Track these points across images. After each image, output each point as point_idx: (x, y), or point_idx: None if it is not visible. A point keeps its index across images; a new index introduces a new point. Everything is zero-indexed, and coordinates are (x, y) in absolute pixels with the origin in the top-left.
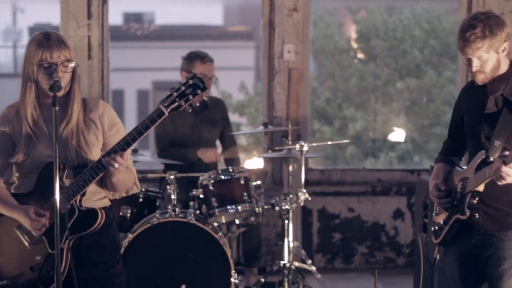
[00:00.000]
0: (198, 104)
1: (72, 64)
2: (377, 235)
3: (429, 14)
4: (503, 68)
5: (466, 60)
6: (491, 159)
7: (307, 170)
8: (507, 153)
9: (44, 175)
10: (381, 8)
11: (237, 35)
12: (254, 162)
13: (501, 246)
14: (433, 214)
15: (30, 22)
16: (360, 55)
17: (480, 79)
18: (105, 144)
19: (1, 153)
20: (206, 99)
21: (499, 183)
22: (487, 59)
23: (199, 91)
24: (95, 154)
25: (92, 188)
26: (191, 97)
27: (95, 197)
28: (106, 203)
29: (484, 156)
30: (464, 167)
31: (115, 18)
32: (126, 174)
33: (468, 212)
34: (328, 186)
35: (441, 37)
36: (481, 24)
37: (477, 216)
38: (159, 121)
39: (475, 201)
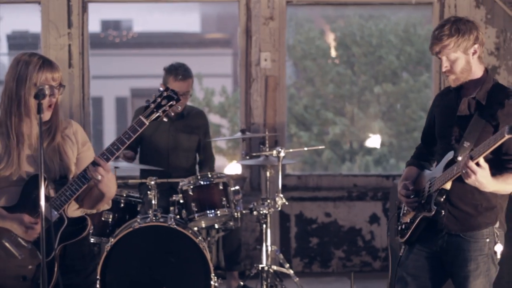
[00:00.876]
0: (173, 114)
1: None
2: (353, 240)
3: (405, 22)
4: (477, 73)
5: (441, 63)
6: (459, 158)
7: (285, 176)
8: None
9: (28, 187)
10: (357, 16)
11: (214, 42)
12: (233, 168)
13: (466, 248)
14: (402, 215)
15: (7, 29)
16: (338, 61)
17: (451, 80)
18: (78, 159)
19: None
20: (179, 110)
21: (467, 180)
22: (455, 59)
23: (174, 102)
24: (73, 167)
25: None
26: (167, 108)
27: (73, 207)
28: (82, 213)
29: (452, 156)
30: (432, 169)
31: (93, 25)
32: (113, 183)
33: (434, 209)
34: (305, 191)
35: (416, 45)
36: (449, 24)
37: (443, 213)
38: (140, 131)
39: (441, 199)
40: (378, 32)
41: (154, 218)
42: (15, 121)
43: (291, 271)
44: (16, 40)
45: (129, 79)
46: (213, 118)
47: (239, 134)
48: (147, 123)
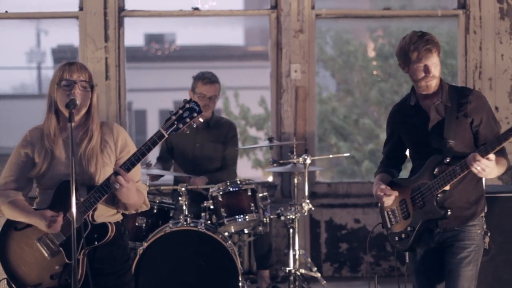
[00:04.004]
0: (195, 126)
1: (89, 88)
2: (382, 245)
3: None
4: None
5: (416, 69)
6: (448, 159)
7: (315, 184)
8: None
9: (59, 191)
10: (397, 27)
11: (256, 55)
12: (266, 176)
13: (460, 237)
14: (390, 226)
15: (53, 44)
16: (379, 73)
17: (432, 85)
18: (116, 164)
19: (22, 171)
20: (201, 120)
21: (480, 174)
22: (437, 65)
23: (195, 114)
24: (107, 173)
25: (105, 205)
26: (188, 120)
27: (108, 213)
28: (118, 218)
29: (440, 159)
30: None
31: (136, 39)
32: (133, 193)
33: (443, 211)
34: (335, 198)
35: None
36: (425, 35)
37: (449, 213)
38: (160, 142)
39: (444, 200)
40: None
41: (185, 223)
42: (50, 124)
43: (319, 275)
44: (61, 54)
45: (172, 91)
46: (250, 131)
47: (266, 143)
48: (166, 135)
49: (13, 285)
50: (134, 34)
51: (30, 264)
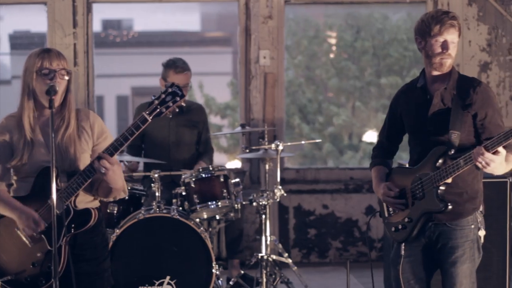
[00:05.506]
0: (177, 110)
1: (67, 77)
2: (350, 231)
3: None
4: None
5: (440, 44)
6: (452, 151)
7: (283, 170)
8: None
9: (40, 179)
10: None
11: (214, 41)
12: (233, 163)
13: (453, 236)
14: (387, 215)
15: (9, 29)
16: (343, 56)
17: (446, 64)
18: (94, 151)
19: (1, 159)
20: (183, 105)
21: (484, 169)
22: (455, 45)
23: (178, 99)
24: (85, 160)
25: (83, 191)
26: (171, 104)
27: (87, 199)
28: (96, 204)
29: (444, 150)
30: (407, 165)
31: (94, 25)
32: (119, 176)
33: (443, 205)
34: (303, 184)
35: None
36: (450, 12)
37: (450, 207)
38: (143, 127)
39: (444, 193)
40: (384, 28)
41: (157, 209)
42: (28, 113)
43: (290, 260)
44: (18, 40)
45: (130, 77)
46: (214, 120)
47: (239, 129)
48: (150, 120)
49: None
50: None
51: (11, 252)
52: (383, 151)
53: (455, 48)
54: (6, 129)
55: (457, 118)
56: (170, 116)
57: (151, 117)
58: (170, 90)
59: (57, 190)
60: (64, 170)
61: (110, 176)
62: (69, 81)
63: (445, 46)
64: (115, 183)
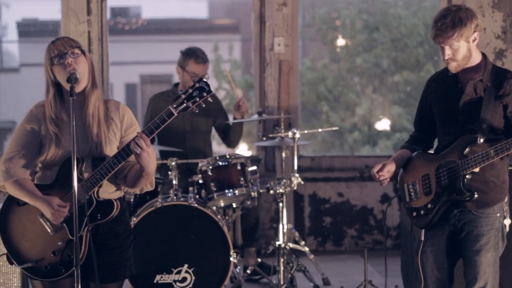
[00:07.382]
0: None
1: (79, 53)
2: (365, 219)
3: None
4: (476, 59)
5: (440, 49)
6: (482, 140)
7: (299, 158)
8: None
9: (64, 167)
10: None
11: (222, 28)
12: (243, 151)
13: (479, 224)
14: (408, 200)
15: (17, 17)
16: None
17: (453, 66)
18: (122, 143)
19: (28, 148)
20: (211, 100)
21: None
22: (458, 47)
23: (205, 94)
24: (112, 150)
25: (107, 182)
26: (198, 99)
27: (110, 190)
28: (120, 194)
29: (472, 139)
30: (431, 151)
31: None
32: (153, 159)
33: (468, 194)
34: (318, 172)
35: None
36: (451, 16)
37: (476, 196)
38: (169, 121)
39: (471, 182)
40: (401, 19)
41: (175, 197)
42: (49, 107)
43: (307, 249)
44: (26, 28)
45: (138, 65)
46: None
47: (256, 116)
48: (176, 114)
49: (14, 261)
50: None
51: (32, 240)
52: (414, 139)
53: (458, 50)
54: (35, 118)
55: (488, 108)
56: (196, 111)
57: (177, 111)
58: (198, 85)
59: (80, 180)
60: (91, 153)
61: (145, 158)
62: (87, 59)
63: (442, 53)
64: (148, 166)
